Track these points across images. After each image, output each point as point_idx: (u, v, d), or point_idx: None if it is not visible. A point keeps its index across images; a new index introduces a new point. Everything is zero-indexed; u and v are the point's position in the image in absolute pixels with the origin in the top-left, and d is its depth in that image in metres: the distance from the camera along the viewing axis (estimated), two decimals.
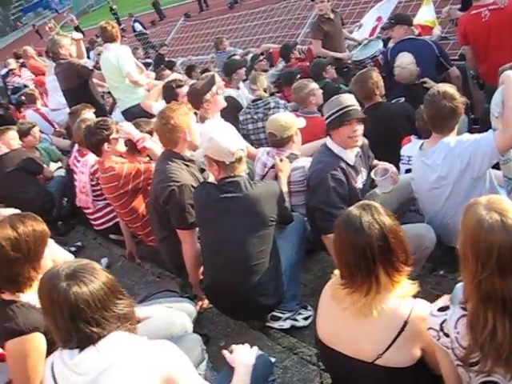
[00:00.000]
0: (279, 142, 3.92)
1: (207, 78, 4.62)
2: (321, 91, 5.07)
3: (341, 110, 3.40)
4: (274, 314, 3.36)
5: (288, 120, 3.92)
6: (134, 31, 19.39)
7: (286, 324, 3.37)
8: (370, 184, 3.77)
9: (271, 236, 3.13)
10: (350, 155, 3.52)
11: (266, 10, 12.87)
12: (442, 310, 1.90)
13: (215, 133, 3.20)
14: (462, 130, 4.48)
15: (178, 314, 2.92)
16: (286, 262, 3.32)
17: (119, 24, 25.93)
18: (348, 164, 3.47)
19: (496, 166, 3.20)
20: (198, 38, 14.22)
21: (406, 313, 2.01)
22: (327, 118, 3.49)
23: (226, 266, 3.11)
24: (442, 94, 3.16)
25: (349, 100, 3.44)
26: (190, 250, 3.44)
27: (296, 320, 3.39)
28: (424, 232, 3.30)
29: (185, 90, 4.83)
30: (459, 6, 6.19)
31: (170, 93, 4.90)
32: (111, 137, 4.24)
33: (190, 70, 8.45)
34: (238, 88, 6.52)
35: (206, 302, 3.57)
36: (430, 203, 3.38)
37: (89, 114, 5.32)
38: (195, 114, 4.26)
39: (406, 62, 5.04)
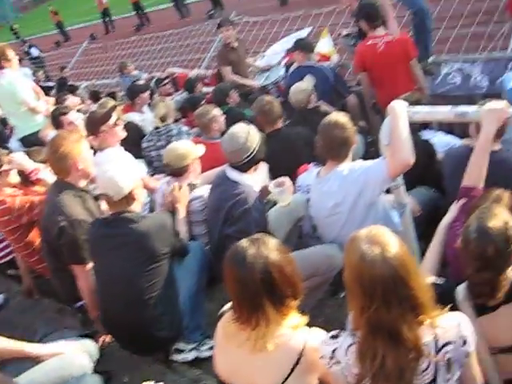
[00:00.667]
0: (176, 171, 3.88)
1: (107, 107, 4.54)
2: (223, 117, 5.09)
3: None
4: (178, 347, 3.32)
5: (184, 149, 3.88)
6: (30, 57, 18.61)
7: (190, 356, 3.33)
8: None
9: (164, 269, 3.10)
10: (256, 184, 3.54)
11: (172, 33, 12.85)
12: (333, 337, 1.94)
13: (106, 165, 3.14)
14: (358, 152, 4.71)
15: (76, 354, 2.82)
16: (186, 293, 3.29)
17: (24, 43, 25.17)
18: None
19: (388, 190, 3.33)
20: (103, 61, 13.98)
21: (300, 345, 2.01)
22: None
23: (118, 301, 3.08)
24: (334, 123, 3.28)
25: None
26: (85, 286, 3.34)
27: (200, 351, 3.35)
28: (334, 252, 3.33)
29: (70, 116, 4.77)
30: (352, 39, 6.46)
31: (55, 121, 4.83)
32: (2, 169, 4.05)
33: (94, 96, 8.27)
34: (143, 112, 6.45)
35: (109, 336, 3.46)
36: (328, 230, 3.46)
37: None
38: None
39: (298, 87, 5.20)
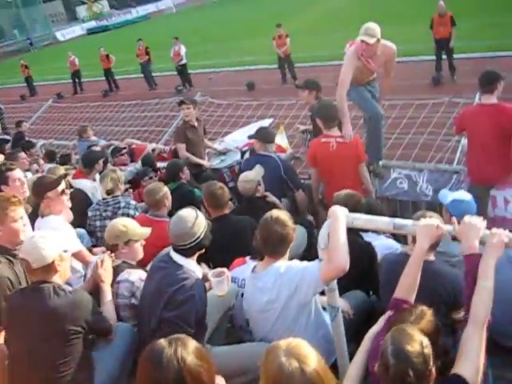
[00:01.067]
0: (110, 247, 3.82)
1: (56, 174, 4.51)
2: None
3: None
4: None
5: (124, 227, 3.84)
6: None
7: None
8: None
9: (77, 349, 2.99)
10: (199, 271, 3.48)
11: (138, 104, 13.08)
12: None
13: (36, 233, 3.15)
14: (301, 245, 4.76)
15: None
16: (106, 377, 3.15)
17: None
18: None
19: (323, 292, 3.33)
20: (65, 121, 14.01)
21: None
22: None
23: (27, 377, 2.94)
24: (275, 219, 3.31)
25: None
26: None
27: None
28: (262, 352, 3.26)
29: (16, 173, 4.67)
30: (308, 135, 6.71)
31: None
32: None
33: (50, 156, 8.20)
34: (94, 180, 6.40)
35: None
36: (260, 325, 3.41)
37: None
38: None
39: (247, 176, 5.28)
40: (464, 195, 4.01)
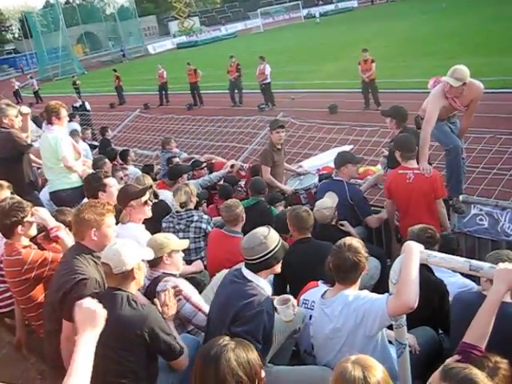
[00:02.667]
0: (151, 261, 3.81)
1: (143, 184, 4.69)
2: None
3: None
4: None
5: (161, 240, 3.92)
6: (83, 109, 19.19)
7: None
8: None
9: (141, 359, 3.06)
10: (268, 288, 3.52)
11: (221, 119, 13.36)
12: None
13: (118, 240, 3.26)
14: (375, 276, 4.70)
15: None
16: None
17: (80, 98, 26.28)
18: None
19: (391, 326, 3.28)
20: (150, 131, 14.49)
21: None
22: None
23: (93, 375, 3.00)
24: (348, 246, 3.30)
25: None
26: (70, 347, 3.22)
27: None
28: (326, 376, 3.13)
29: (112, 181, 4.90)
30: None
31: (97, 182, 4.87)
32: (25, 219, 4.14)
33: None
34: None
35: None
36: (324, 352, 3.40)
37: (4, 193, 4.97)
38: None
39: (324, 203, 5.29)
40: None
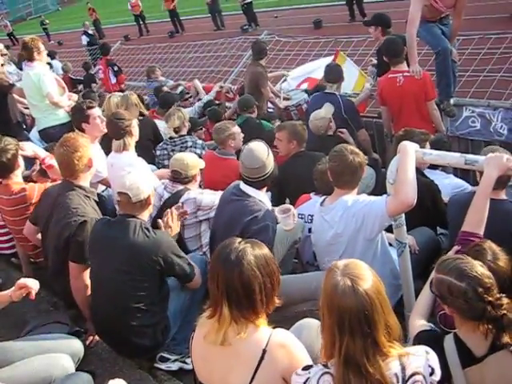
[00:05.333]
0: (183, 180, 4.06)
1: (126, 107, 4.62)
2: (241, 135, 5.10)
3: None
4: (163, 355, 3.32)
5: (192, 160, 4.10)
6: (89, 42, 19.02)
7: (174, 366, 3.34)
8: None
9: (155, 282, 3.13)
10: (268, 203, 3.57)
11: (204, 44, 13.06)
12: (305, 368, 1.96)
13: (129, 168, 3.36)
14: (370, 184, 4.74)
15: (59, 355, 2.86)
16: (178, 305, 3.33)
17: (49, 39, 25.67)
18: None
19: (390, 229, 3.33)
20: (133, 63, 14.17)
21: (264, 341, 2.07)
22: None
23: (107, 303, 3.15)
24: (350, 150, 3.33)
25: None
26: (79, 285, 3.38)
27: (185, 363, 3.35)
28: None
29: (96, 111, 4.77)
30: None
31: (80, 114, 4.78)
32: (19, 158, 4.09)
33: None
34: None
35: (97, 337, 3.50)
36: (326, 258, 3.46)
37: None
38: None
39: (318, 114, 5.26)
40: None
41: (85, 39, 19.57)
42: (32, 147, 4.16)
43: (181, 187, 4.06)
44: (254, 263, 2.07)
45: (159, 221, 3.52)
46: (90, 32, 20.07)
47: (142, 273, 3.07)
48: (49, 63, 9.24)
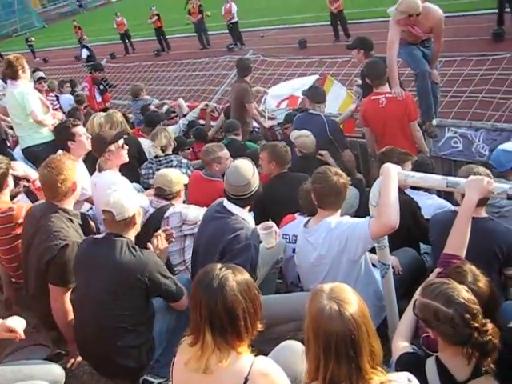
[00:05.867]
0: (167, 196, 4.12)
1: (117, 129, 4.61)
2: (229, 160, 5.04)
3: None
4: (146, 378, 3.27)
5: (176, 176, 4.18)
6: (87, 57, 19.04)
7: None
8: None
9: (140, 302, 3.10)
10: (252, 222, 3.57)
11: (190, 62, 13.12)
12: None
13: (114, 186, 3.28)
14: (354, 204, 4.76)
15: (39, 382, 2.84)
16: (164, 326, 3.30)
17: (34, 57, 25.70)
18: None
19: (373, 249, 3.34)
20: (118, 81, 14.15)
21: (246, 369, 2.05)
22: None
23: (90, 322, 3.10)
24: (333, 171, 3.35)
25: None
26: (59, 308, 3.34)
27: None
28: None
29: (81, 129, 4.74)
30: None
31: (65, 132, 4.73)
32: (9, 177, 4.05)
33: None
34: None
35: (79, 359, 3.47)
36: (310, 280, 3.45)
37: None
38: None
39: (305, 133, 5.28)
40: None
41: (85, 53, 19.63)
42: (23, 167, 4.14)
43: (166, 203, 4.09)
44: (236, 289, 2.07)
45: (149, 245, 3.48)
46: (89, 46, 19.95)
47: (128, 292, 3.05)
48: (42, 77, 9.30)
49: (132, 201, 3.17)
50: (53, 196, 3.50)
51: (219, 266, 2.17)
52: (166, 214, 3.94)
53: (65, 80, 11.72)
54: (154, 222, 3.94)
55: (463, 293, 2.18)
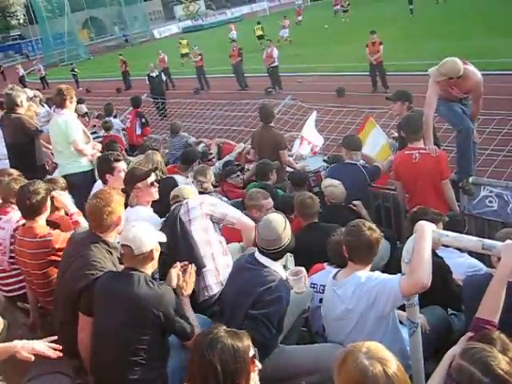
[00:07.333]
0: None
1: (149, 166, 4.69)
2: (270, 210, 4.87)
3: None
4: None
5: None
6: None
7: None
8: None
9: (156, 337, 3.10)
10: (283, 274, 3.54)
11: (228, 103, 13.35)
12: None
13: (136, 223, 3.32)
14: (384, 257, 4.71)
15: None
16: (178, 362, 3.27)
17: (78, 86, 26.59)
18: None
19: (403, 307, 3.30)
20: (157, 116, 14.49)
21: None
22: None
23: (105, 353, 3.13)
24: (367, 226, 3.35)
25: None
26: (85, 337, 3.35)
27: None
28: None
29: (122, 165, 4.86)
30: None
31: (106, 165, 4.87)
32: (48, 203, 4.17)
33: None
34: (187, 177, 6.60)
35: None
36: (335, 332, 3.43)
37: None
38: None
39: (333, 182, 5.31)
40: None
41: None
42: (65, 199, 4.25)
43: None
44: (226, 352, 2.14)
45: (168, 277, 3.50)
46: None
47: (144, 326, 3.07)
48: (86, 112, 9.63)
49: (150, 236, 3.24)
50: (97, 226, 3.56)
51: (221, 329, 2.24)
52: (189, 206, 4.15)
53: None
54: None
55: (503, 363, 2.12)
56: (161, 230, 4.05)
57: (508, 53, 16.41)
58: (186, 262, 3.63)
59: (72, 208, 4.25)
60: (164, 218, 4.94)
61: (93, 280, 3.33)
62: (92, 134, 8.20)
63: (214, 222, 4.19)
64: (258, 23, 32.52)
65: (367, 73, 17.32)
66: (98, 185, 4.97)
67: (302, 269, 3.57)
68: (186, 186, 4.36)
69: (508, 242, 2.76)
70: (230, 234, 4.51)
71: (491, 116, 8.07)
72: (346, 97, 16.35)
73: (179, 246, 4.01)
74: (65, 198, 4.32)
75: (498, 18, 24.88)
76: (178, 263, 3.61)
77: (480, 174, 6.79)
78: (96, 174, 5.43)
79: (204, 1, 79.21)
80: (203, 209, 4.13)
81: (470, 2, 33.23)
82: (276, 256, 3.45)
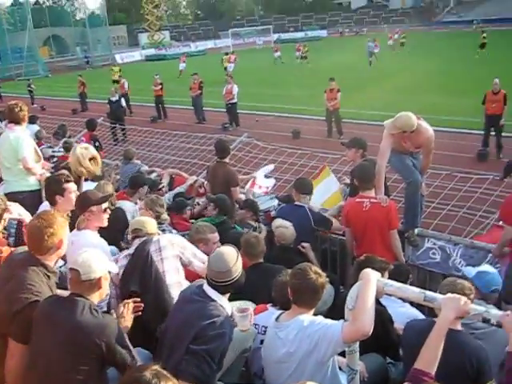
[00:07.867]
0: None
1: (105, 192, 4.63)
2: (217, 244, 4.94)
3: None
4: None
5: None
6: None
7: None
8: None
9: (95, 367, 2.99)
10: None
11: (185, 135, 13.36)
12: None
13: (87, 248, 3.27)
14: (328, 302, 4.74)
15: None
16: None
17: (32, 103, 26.22)
18: None
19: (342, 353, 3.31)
20: (110, 141, 14.33)
21: None
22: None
23: (41, 380, 2.99)
24: (313, 270, 3.36)
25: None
26: (13, 365, 3.19)
27: None
28: None
29: (72, 186, 4.74)
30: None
31: (57, 185, 4.71)
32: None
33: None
34: (136, 203, 6.52)
35: None
36: (275, 375, 3.40)
37: None
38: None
39: (284, 223, 5.35)
40: (489, 268, 4.15)
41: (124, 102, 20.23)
42: (18, 210, 4.12)
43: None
44: None
45: (112, 311, 3.42)
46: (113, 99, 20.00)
47: (84, 355, 2.95)
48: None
49: (100, 263, 3.15)
50: (37, 248, 3.41)
51: (154, 367, 2.25)
52: (150, 247, 4.13)
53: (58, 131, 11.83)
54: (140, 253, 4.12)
55: None
56: (129, 264, 4.02)
57: (458, 112, 17.20)
58: (129, 300, 3.53)
59: (27, 218, 4.21)
60: (113, 247, 4.88)
61: (26, 304, 3.18)
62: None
63: None
64: (226, 54, 32.88)
65: (323, 117, 17.67)
66: (45, 206, 4.82)
67: (250, 307, 3.56)
68: (145, 218, 4.31)
69: (448, 295, 2.84)
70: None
71: (439, 171, 8.35)
72: (302, 139, 16.63)
73: (148, 286, 3.97)
74: (17, 208, 4.22)
75: (454, 78, 26.13)
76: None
77: (425, 225, 6.97)
78: (43, 194, 5.28)
79: (169, 31, 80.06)
80: (175, 249, 4.11)
81: (428, 57, 34.87)
82: (224, 289, 3.41)
